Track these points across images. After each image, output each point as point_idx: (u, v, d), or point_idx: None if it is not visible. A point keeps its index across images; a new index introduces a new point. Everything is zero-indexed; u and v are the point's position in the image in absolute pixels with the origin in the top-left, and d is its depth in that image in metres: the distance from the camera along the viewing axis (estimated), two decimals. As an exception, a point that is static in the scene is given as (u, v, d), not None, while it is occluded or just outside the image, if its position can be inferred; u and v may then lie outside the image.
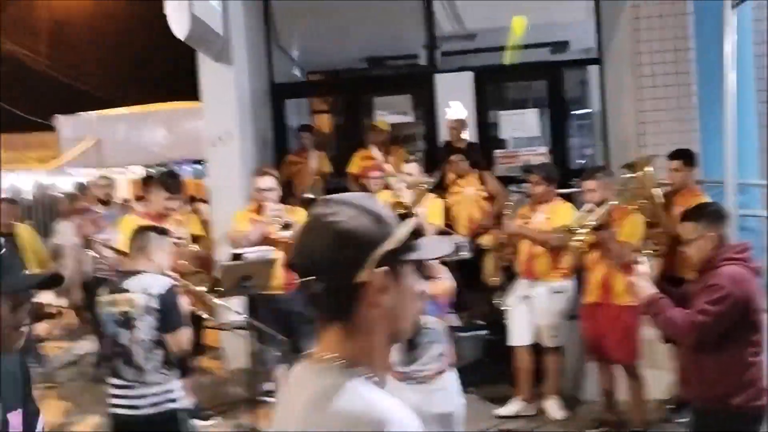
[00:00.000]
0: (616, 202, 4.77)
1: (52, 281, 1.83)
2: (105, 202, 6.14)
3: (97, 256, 5.79)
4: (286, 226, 4.96)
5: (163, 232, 3.89)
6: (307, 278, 1.33)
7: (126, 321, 3.60)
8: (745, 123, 5.62)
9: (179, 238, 4.77)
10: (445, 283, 3.91)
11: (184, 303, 3.99)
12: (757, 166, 6.16)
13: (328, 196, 1.40)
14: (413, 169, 5.64)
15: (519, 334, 5.37)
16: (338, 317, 1.34)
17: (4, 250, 1.65)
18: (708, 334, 3.21)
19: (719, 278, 3.22)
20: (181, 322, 3.70)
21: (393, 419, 1.23)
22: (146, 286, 3.60)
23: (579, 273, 5.23)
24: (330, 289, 1.31)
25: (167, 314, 3.61)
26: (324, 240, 1.31)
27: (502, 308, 5.42)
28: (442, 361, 3.76)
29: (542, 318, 5.24)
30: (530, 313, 5.26)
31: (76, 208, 6.88)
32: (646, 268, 3.51)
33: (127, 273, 3.75)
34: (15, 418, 1.74)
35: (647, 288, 3.44)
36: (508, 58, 8.81)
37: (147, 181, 5.91)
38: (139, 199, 6.73)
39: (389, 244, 1.32)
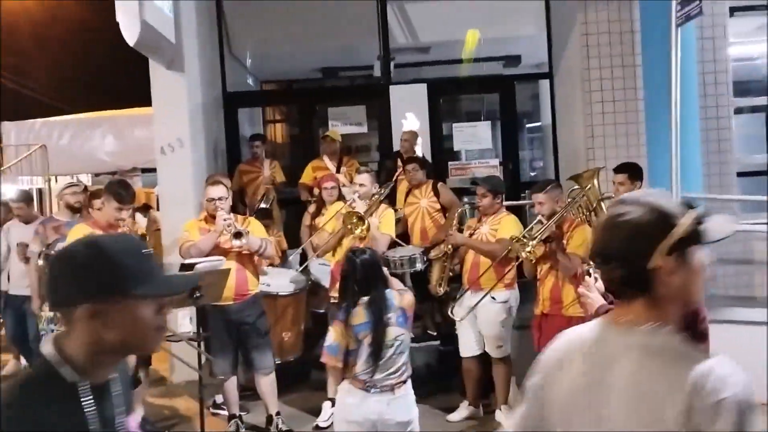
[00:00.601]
0: (565, 215, 4.84)
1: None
2: (75, 210, 5.97)
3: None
4: (238, 235, 4.91)
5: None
6: (608, 265, 1.65)
7: None
8: (689, 138, 5.79)
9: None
10: (410, 296, 3.95)
11: None
12: (700, 180, 6.35)
13: (625, 196, 1.70)
14: (366, 179, 5.64)
15: (466, 345, 5.42)
16: (640, 294, 1.63)
17: (148, 250, 1.61)
18: None
19: None
20: None
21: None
22: None
23: (529, 284, 5.30)
24: (628, 274, 1.62)
25: None
26: (619, 234, 1.62)
27: (454, 319, 5.45)
28: (406, 371, 3.83)
29: (488, 328, 5.28)
30: (476, 323, 5.31)
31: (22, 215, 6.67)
32: (595, 280, 3.56)
33: None
34: (132, 421, 1.70)
35: (597, 300, 3.49)
36: (462, 70, 8.90)
37: (96, 192, 5.76)
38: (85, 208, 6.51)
39: (674, 236, 1.58)
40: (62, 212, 6.14)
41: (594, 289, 3.53)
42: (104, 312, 1.51)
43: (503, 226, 5.23)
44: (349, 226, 5.31)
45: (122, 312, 1.52)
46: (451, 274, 5.54)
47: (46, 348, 1.53)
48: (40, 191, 10.19)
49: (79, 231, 4.81)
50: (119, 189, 4.84)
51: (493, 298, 5.23)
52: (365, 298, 3.79)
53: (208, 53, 7.72)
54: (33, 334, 6.02)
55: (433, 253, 5.68)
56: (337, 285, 5.34)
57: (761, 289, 6.93)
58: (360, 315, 3.76)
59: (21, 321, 6.38)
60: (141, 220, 7.91)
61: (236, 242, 4.93)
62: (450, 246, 5.42)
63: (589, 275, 3.65)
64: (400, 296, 3.88)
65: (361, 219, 5.31)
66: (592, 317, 3.53)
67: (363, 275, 3.85)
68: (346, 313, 3.79)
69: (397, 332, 3.77)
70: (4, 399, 1.47)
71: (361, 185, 5.52)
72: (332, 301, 5.37)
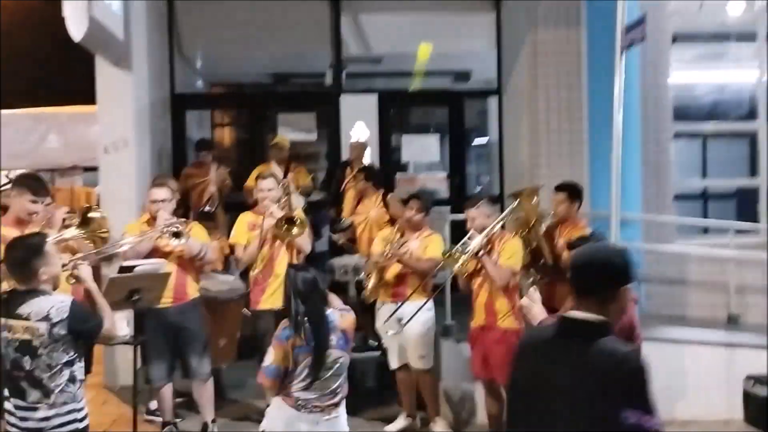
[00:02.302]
0: (497, 229, 4.93)
1: None
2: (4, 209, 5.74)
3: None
4: (177, 235, 4.79)
5: (39, 246, 3.41)
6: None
7: (28, 349, 3.26)
8: (630, 160, 5.97)
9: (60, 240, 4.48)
10: (352, 315, 3.90)
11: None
12: (639, 201, 6.54)
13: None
14: (271, 183, 5.44)
15: (394, 357, 5.47)
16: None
17: None
18: None
19: None
20: (98, 323, 3.44)
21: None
22: (46, 313, 3.24)
23: (465, 298, 5.36)
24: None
25: (81, 333, 3.34)
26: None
27: (382, 333, 5.48)
28: (341, 392, 3.79)
29: (414, 339, 5.32)
30: (402, 334, 5.33)
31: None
32: (537, 294, 3.63)
33: (17, 294, 3.34)
34: None
35: (539, 313, 3.55)
36: (413, 83, 8.98)
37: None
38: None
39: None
40: None
41: (538, 302, 3.60)
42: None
43: (433, 244, 5.31)
44: (282, 233, 5.22)
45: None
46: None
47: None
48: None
49: None
50: (31, 181, 4.61)
51: (415, 307, 5.26)
52: (305, 320, 3.73)
53: (157, 53, 7.60)
54: None
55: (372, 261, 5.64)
56: (261, 294, 5.34)
57: (693, 309, 7.17)
58: (300, 337, 3.69)
59: None
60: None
61: (174, 242, 4.81)
62: (389, 257, 5.36)
63: (532, 290, 3.73)
64: (341, 317, 3.82)
65: (290, 221, 5.25)
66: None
67: (304, 293, 3.80)
68: (287, 334, 3.72)
69: (337, 354, 3.72)
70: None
71: (269, 190, 5.42)
72: (259, 308, 5.32)
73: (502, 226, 5.06)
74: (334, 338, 3.73)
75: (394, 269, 5.33)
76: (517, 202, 5.23)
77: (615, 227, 5.55)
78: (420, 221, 5.39)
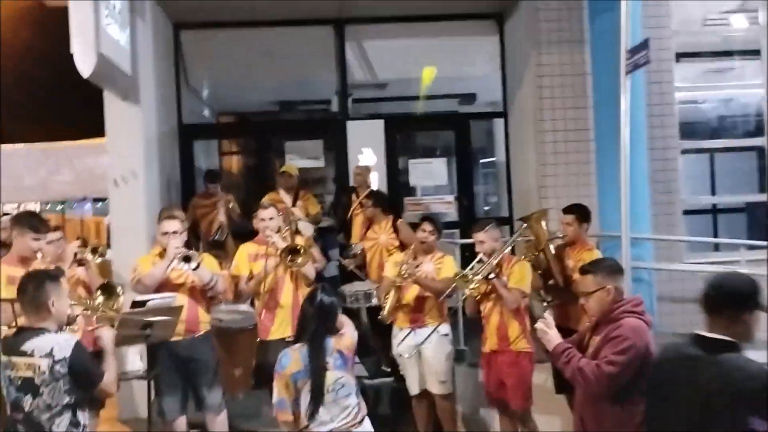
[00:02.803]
0: (505, 252, 4.94)
1: None
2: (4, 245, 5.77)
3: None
4: (186, 259, 4.80)
5: (56, 277, 3.46)
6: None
7: (29, 387, 3.25)
8: (637, 179, 5.96)
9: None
10: (350, 336, 3.89)
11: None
12: (648, 220, 6.51)
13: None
14: (272, 213, 5.40)
15: (412, 383, 5.42)
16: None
17: None
18: (615, 385, 3.33)
19: (622, 330, 3.36)
20: (98, 373, 3.42)
21: None
22: (49, 350, 3.24)
23: (474, 321, 5.35)
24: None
25: (80, 376, 3.31)
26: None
27: (397, 359, 5.45)
28: (359, 411, 3.78)
29: (433, 364, 5.28)
30: (420, 360, 5.31)
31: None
32: (551, 318, 3.62)
33: (25, 331, 3.36)
34: None
35: (555, 337, 3.54)
36: (418, 106, 9.02)
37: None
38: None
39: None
40: None
41: (553, 326, 3.59)
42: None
43: (446, 265, 5.31)
44: (291, 262, 5.21)
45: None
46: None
47: None
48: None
49: None
50: (32, 220, 4.66)
51: (437, 331, 5.26)
52: (300, 345, 3.74)
53: (165, 85, 7.68)
54: None
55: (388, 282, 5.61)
56: (270, 324, 5.31)
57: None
58: (296, 362, 3.70)
59: None
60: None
61: (185, 266, 4.82)
62: (405, 277, 5.35)
63: (545, 314, 3.72)
64: (337, 338, 3.81)
65: (294, 251, 5.23)
66: (550, 353, 3.58)
67: (322, 318, 3.80)
68: (284, 363, 3.71)
69: (337, 376, 3.71)
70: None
71: (270, 219, 5.42)
72: (269, 338, 5.30)
73: (512, 250, 5.06)
74: (330, 360, 3.72)
75: (411, 292, 5.31)
76: (525, 227, 5.22)
77: (625, 247, 5.52)
78: (433, 243, 5.39)
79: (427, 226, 5.39)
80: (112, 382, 3.49)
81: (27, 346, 3.26)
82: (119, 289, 4.55)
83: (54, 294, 3.35)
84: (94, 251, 4.90)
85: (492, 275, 4.80)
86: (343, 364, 3.76)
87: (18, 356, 3.27)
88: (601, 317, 3.52)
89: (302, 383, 3.66)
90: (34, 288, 3.35)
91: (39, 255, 4.51)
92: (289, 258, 5.15)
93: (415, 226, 7.19)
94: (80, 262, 4.66)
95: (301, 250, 5.19)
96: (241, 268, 5.39)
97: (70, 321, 3.63)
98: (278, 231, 5.32)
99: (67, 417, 3.30)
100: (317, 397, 3.64)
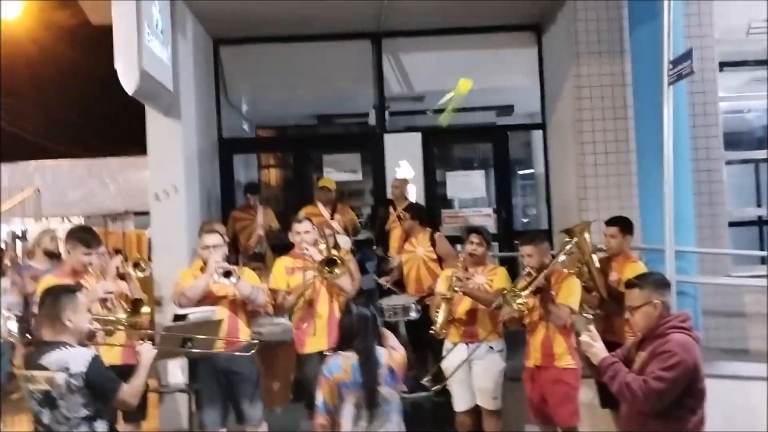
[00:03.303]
0: (554, 267, 4.85)
1: None
2: (54, 255, 5.91)
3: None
4: (227, 274, 4.84)
5: (72, 292, 3.49)
6: None
7: (47, 400, 3.29)
8: (681, 191, 5.84)
9: (109, 293, 4.60)
10: (401, 354, 3.88)
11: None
12: (692, 232, 6.38)
13: None
14: (308, 227, 5.40)
15: (461, 398, 5.34)
16: None
17: None
18: (663, 401, 3.26)
19: (670, 345, 3.29)
20: (115, 387, 3.42)
21: None
22: (65, 364, 3.27)
23: (514, 334, 5.28)
24: None
25: (96, 390, 3.34)
26: None
27: (445, 372, 5.39)
28: (398, 429, 3.77)
29: (485, 380, 5.21)
30: (470, 376, 5.25)
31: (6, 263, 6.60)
32: (595, 331, 3.56)
33: (43, 345, 3.38)
34: None
35: (601, 350, 3.48)
36: (445, 117, 8.96)
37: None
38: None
39: None
40: (39, 259, 6.06)
41: (599, 339, 3.52)
42: None
43: (499, 276, 5.23)
44: (329, 274, 5.21)
45: None
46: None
47: None
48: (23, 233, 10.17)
49: (46, 283, 4.68)
50: (83, 234, 4.78)
51: (490, 347, 5.19)
52: (351, 354, 3.74)
53: (205, 100, 7.79)
54: None
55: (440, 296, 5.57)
56: (306, 337, 5.32)
57: (753, 342, 6.93)
58: (346, 372, 3.70)
59: None
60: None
61: (225, 281, 4.85)
62: (456, 290, 5.31)
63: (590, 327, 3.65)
64: (389, 354, 3.81)
65: (331, 262, 5.23)
66: (595, 368, 3.51)
67: (357, 327, 3.81)
68: (332, 369, 3.73)
69: (385, 391, 3.71)
70: None
71: (306, 232, 5.43)
72: (305, 351, 5.30)
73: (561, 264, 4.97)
74: (381, 374, 3.71)
75: (463, 306, 5.25)
76: (574, 240, 5.11)
77: (670, 260, 5.43)
78: (482, 255, 5.33)
79: (475, 238, 5.33)
80: (132, 395, 3.47)
81: (44, 360, 3.30)
82: (145, 308, 4.60)
83: (69, 308, 3.38)
84: (136, 265, 4.98)
85: (540, 290, 4.70)
86: (392, 380, 3.76)
87: (37, 370, 3.31)
88: (648, 332, 3.45)
89: (347, 393, 3.66)
90: (50, 302, 3.41)
91: (89, 269, 4.64)
92: (326, 269, 5.16)
93: (452, 239, 7.19)
94: (122, 276, 4.73)
95: (339, 261, 5.19)
96: (278, 282, 5.41)
97: (90, 336, 3.65)
98: (314, 244, 5.33)
99: (84, 429, 3.33)
100: (368, 412, 3.65)
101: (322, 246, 5.32)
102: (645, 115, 6.35)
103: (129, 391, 3.45)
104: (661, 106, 5.36)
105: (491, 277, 5.24)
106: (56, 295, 3.43)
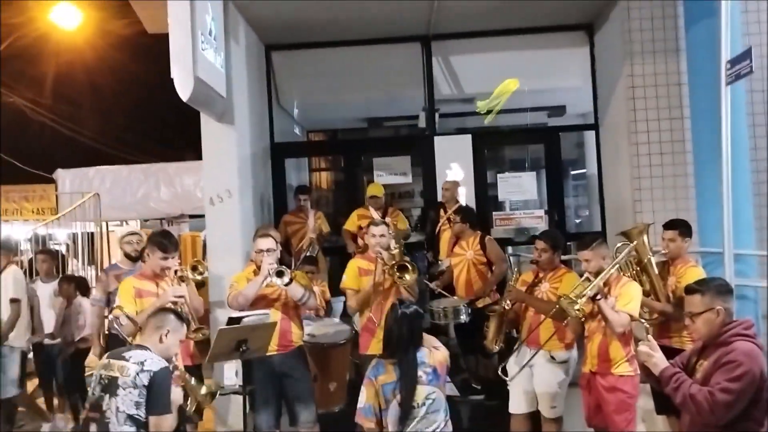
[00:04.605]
0: (613, 272, 4.75)
1: None
2: (134, 258, 6.13)
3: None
4: (280, 274, 4.93)
5: (180, 318, 3.87)
6: None
7: (110, 385, 3.51)
8: (739, 192, 5.69)
9: (179, 297, 4.74)
10: (443, 353, 3.90)
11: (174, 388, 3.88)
12: (752, 235, 6.20)
13: None
14: (383, 230, 5.41)
15: (517, 401, 5.30)
16: None
17: None
18: (730, 413, 3.15)
19: (736, 354, 3.18)
20: (167, 406, 3.57)
21: None
22: (142, 360, 3.54)
23: (579, 341, 5.20)
24: None
25: (154, 394, 3.49)
26: None
27: (505, 375, 5.35)
28: (445, 427, 3.78)
29: (544, 388, 5.16)
30: (530, 381, 5.20)
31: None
32: (654, 341, 3.47)
33: (135, 346, 3.78)
34: None
35: (661, 360, 3.39)
36: (489, 117, 8.87)
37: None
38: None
39: None
40: (123, 260, 6.29)
41: (657, 349, 3.43)
42: None
43: (565, 283, 5.10)
44: (399, 278, 5.22)
45: None
46: (506, 331, 5.44)
47: None
48: (91, 235, 10.48)
49: (127, 283, 4.91)
50: (161, 239, 4.94)
51: (552, 357, 5.13)
52: (393, 357, 3.77)
53: (257, 105, 7.90)
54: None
55: (489, 307, 5.57)
56: (370, 339, 5.36)
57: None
58: (389, 373, 3.73)
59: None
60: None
61: (278, 280, 4.94)
62: (509, 302, 5.30)
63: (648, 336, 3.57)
64: (430, 353, 3.83)
65: (402, 268, 5.24)
66: (655, 378, 3.43)
67: (405, 329, 3.83)
68: (376, 371, 3.76)
69: (428, 391, 3.72)
70: None
71: (381, 236, 5.45)
72: (367, 353, 5.34)
73: (619, 268, 4.87)
74: (422, 374, 3.74)
75: (528, 313, 5.23)
76: (633, 245, 5.01)
77: (728, 264, 5.30)
78: (549, 261, 5.23)
79: (539, 244, 5.26)
80: (168, 426, 3.58)
81: (128, 354, 3.59)
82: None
83: (171, 331, 3.74)
84: (194, 269, 5.11)
85: (599, 296, 4.61)
86: (436, 379, 3.78)
87: (116, 359, 3.58)
88: (709, 340, 3.35)
89: (393, 395, 3.70)
90: (161, 317, 3.77)
91: (167, 272, 4.89)
92: (397, 275, 5.19)
93: (503, 242, 7.15)
94: (181, 279, 4.87)
95: (411, 268, 5.20)
96: (351, 282, 5.46)
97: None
98: (387, 248, 5.36)
99: (127, 429, 3.46)
100: (407, 410, 3.67)
101: (396, 251, 5.36)
102: (701, 115, 6.21)
103: (167, 415, 3.57)
104: (719, 106, 5.23)
105: (556, 284, 5.16)
106: (167, 313, 3.84)
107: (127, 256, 6.16)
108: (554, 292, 5.09)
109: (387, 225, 5.59)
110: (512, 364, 5.26)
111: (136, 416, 3.46)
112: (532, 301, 5.17)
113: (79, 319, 6.74)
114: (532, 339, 5.18)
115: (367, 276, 5.37)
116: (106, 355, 3.70)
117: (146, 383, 3.47)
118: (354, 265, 5.52)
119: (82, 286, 7.00)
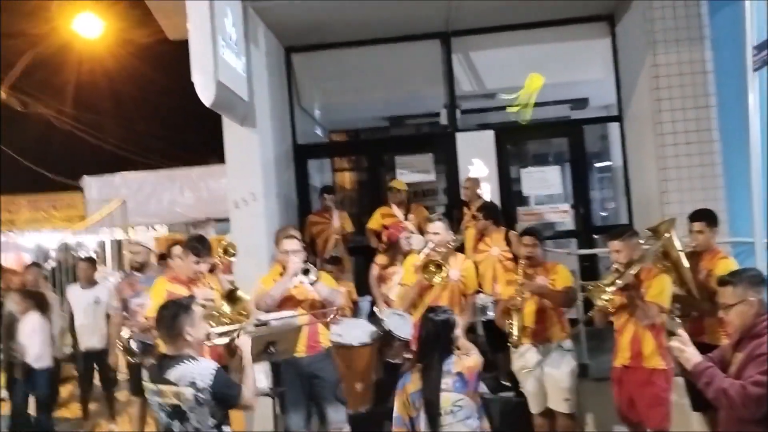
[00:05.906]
0: (643, 264, 4.68)
1: None
2: (138, 269, 6.21)
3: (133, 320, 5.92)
4: (306, 272, 4.94)
5: (188, 306, 3.58)
6: None
7: (177, 413, 3.39)
8: (769, 181, 5.59)
9: (209, 300, 4.78)
10: (473, 359, 3.86)
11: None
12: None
13: None
14: (440, 228, 5.54)
15: (536, 400, 5.28)
16: None
17: None
18: (764, 407, 3.07)
19: None
20: (237, 393, 3.50)
21: None
22: (192, 379, 3.35)
23: (597, 333, 5.16)
24: None
25: (222, 400, 3.43)
26: None
27: (521, 373, 5.33)
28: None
29: (557, 381, 5.13)
30: (543, 377, 5.17)
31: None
32: (686, 335, 3.41)
33: (167, 359, 3.49)
34: None
35: (694, 355, 3.32)
36: (520, 114, 8.82)
37: (174, 242, 5.98)
38: (162, 258, 6.79)
39: None
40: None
41: (689, 343, 3.37)
42: None
43: (560, 275, 5.18)
44: (427, 276, 5.24)
45: None
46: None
47: None
48: (119, 243, 10.62)
49: (159, 285, 4.98)
50: (195, 243, 5.00)
51: (560, 346, 5.12)
52: (420, 365, 3.75)
53: (279, 108, 7.93)
54: None
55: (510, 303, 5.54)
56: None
57: None
58: (415, 382, 3.71)
59: None
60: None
61: (304, 278, 4.96)
62: (527, 293, 5.26)
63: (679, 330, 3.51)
64: (459, 360, 3.79)
65: (439, 266, 5.24)
66: (690, 373, 3.36)
67: (432, 336, 3.81)
68: (404, 380, 3.76)
69: (455, 398, 3.69)
70: None
71: (435, 234, 5.45)
72: (406, 355, 5.33)
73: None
74: (449, 381, 3.70)
75: (529, 308, 5.20)
76: (663, 239, 4.94)
77: (759, 253, 5.19)
78: (541, 255, 5.27)
79: (528, 240, 5.27)
80: (251, 397, 3.56)
81: (171, 375, 3.38)
82: (240, 292, 4.78)
83: (188, 323, 3.48)
84: (226, 251, 5.19)
85: (629, 287, 4.56)
86: (463, 386, 3.73)
87: (164, 384, 3.39)
88: (744, 332, 3.28)
89: (421, 403, 3.67)
90: (170, 320, 3.50)
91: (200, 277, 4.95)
92: (432, 272, 5.20)
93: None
94: (212, 268, 4.94)
95: (442, 269, 5.22)
96: (409, 278, 5.54)
97: (206, 337, 3.79)
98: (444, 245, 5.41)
99: None
100: (432, 418, 3.64)
101: (443, 250, 5.40)
102: (728, 104, 6.13)
103: (247, 393, 3.54)
104: (746, 93, 5.14)
105: (553, 277, 5.18)
106: (175, 312, 3.52)
107: (131, 266, 6.24)
108: (552, 284, 5.12)
109: (442, 221, 5.61)
110: (527, 363, 5.20)
111: (216, 423, 3.42)
112: (550, 293, 5.12)
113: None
114: (536, 335, 5.14)
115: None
116: (146, 376, 3.55)
117: (211, 398, 3.37)
118: (410, 261, 5.60)
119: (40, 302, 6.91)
